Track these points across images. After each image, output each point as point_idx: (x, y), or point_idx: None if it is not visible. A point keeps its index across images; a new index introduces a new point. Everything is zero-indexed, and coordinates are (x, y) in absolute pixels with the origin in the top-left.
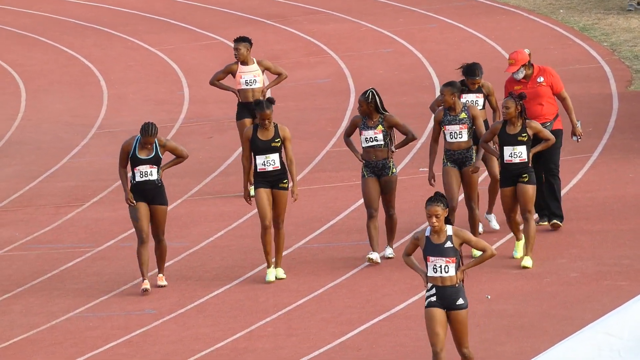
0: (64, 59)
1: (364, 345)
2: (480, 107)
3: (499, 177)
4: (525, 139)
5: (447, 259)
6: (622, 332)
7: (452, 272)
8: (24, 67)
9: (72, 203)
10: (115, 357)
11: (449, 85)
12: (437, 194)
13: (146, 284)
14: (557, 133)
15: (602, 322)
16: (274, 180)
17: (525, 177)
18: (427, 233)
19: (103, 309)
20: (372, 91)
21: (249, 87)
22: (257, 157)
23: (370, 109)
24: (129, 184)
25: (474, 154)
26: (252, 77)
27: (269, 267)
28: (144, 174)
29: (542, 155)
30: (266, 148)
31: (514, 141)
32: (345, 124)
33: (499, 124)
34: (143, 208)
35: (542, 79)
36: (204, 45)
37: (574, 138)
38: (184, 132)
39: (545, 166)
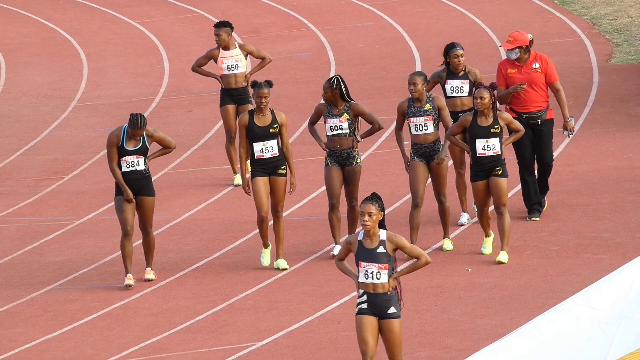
0: (44, 32)
1: (344, 318)
2: (466, 94)
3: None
4: (498, 130)
5: (379, 265)
6: (602, 305)
7: (384, 279)
8: (3, 40)
9: (52, 176)
10: (95, 330)
11: (421, 74)
12: (373, 194)
13: (129, 279)
14: (550, 122)
15: (582, 294)
16: (273, 167)
17: (499, 170)
18: (360, 237)
19: (83, 281)
20: (337, 77)
21: (230, 72)
22: (254, 144)
23: (335, 96)
24: (122, 177)
25: (442, 145)
26: (233, 62)
27: (265, 246)
28: (130, 164)
29: (535, 149)
30: (264, 134)
31: (487, 133)
32: None
33: (469, 116)
34: (128, 203)
35: (537, 65)
36: (184, 19)
37: (565, 132)
38: (164, 106)
39: (540, 160)
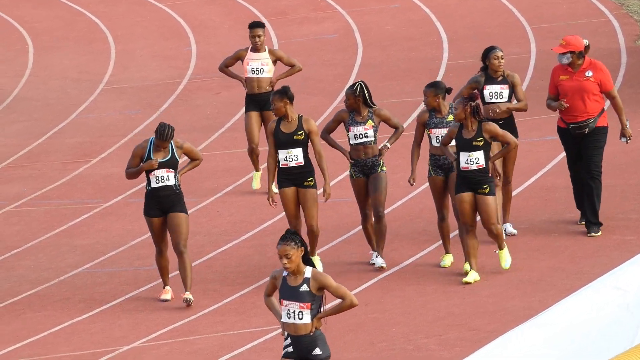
0: (71, 15)
1: (372, 300)
2: (506, 100)
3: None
4: (482, 143)
5: (302, 304)
6: (630, 286)
7: (306, 319)
8: (31, 24)
9: (80, 159)
10: (123, 313)
11: (432, 86)
12: (288, 231)
13: (166, 293)
14: (602, 130)
15: (610, 276)
16: (297, 178)
17: (486, 188)
18: (285, 273)
19: (111, 264)
20: (360, 84)
21: (254, 75)
22: (279, 151)
23: (359, 103)
24: (145, 192)
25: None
26: (259, 65)
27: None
28: (160, 179)
29: (581, 155)
30: (288, 141)
31: (470, 146)
32: (353, 78)
33: (457, 127)
34: (157, 223)
35: (590, 74)
36: (211, 1)
37: (623, 139)
38: (191, 88)
39: (584, 167)
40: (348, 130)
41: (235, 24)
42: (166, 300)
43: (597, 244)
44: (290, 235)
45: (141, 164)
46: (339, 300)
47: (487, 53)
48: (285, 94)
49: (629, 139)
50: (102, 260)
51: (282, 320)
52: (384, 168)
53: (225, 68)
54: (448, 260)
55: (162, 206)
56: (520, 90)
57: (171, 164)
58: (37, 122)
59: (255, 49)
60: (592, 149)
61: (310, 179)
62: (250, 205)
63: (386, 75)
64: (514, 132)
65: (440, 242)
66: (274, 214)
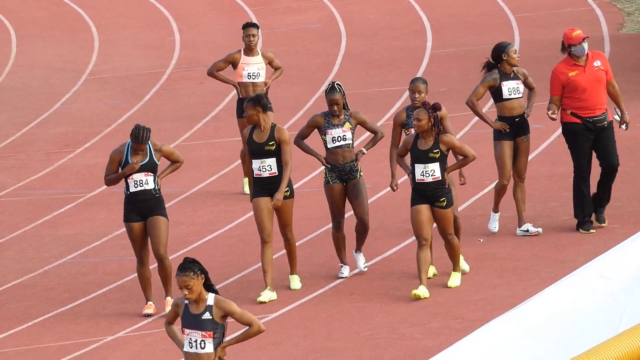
0: (55, 5)
1: (357, 290)
2: (521, 95)
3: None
4: (438, 155)
5: (204, 333)
6: (614, 274)
7: (209, 348)
8: (15, 14)
9: (63, 149)
10: (108, 303)
11: (422, 81)
12: (186, 260)
13: (149, 308)
14: (611, 123)
15: (594, 264)
16: (272, 188)
17: (443, 201)
18: (187, 300)
19: (96, 254)
20: (338, 83)
21: (250, 80)
22: (253, 161)
23: (341, 102)
24: (124, 196)
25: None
26: (256, 69)
27: (266, 286)
28: (139, 183)
29: (599, 154)
30: (260, 151)
31: (425, 158)
32: (337, 68)
33: (412, 137)
34: (137, 228)
35: (599, 63)
36: None
37: (623, 127)
38: (175, 78)
39: (607, 164)
40: (325, 134)
41: (219, 14)
42: (149, 315)
43: (581, 233)
44: (189, 265)
45: (120, 169)
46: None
47: (503, 49)
48: (259, 102)
49: (627, 125)
50: (87, 250)
51: (185, 349)
52: (361, 174)
53: (215, 72)
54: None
55: (141, 211)
56: (530, 80)
57: (149, 168)
58: (21, 111)
59: (249, 51)
60: (611, 142)
61: (286, 189)
62: (234, 195)
63: (369, 65)
64: (527, 127)
65: None
66: None
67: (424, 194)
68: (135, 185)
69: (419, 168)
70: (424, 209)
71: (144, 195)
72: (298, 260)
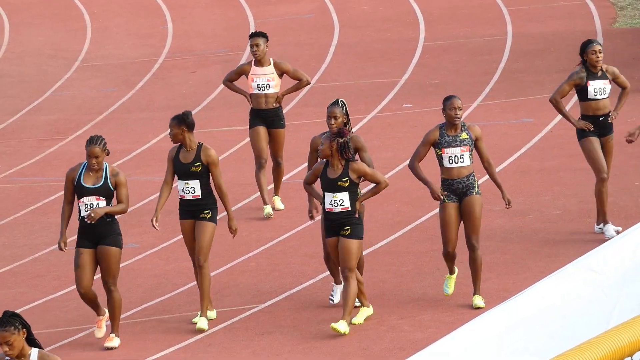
0: None
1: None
2: (607, 95)
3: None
4: (347, 184)
5: None
6: (605, 269)
7: None
8: (7, 0)
9: (55, 136)
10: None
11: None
12: (5, 314)
13: (99, 330)
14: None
15: (585, 258)
16: (195, 211)
17: (348, 229)
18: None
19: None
20: (343, 101)
21: (261, 92)
22: (178, 181)
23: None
24: (67, 224)
25: (476, 181)
26: (265, 81)
27: (202, 311)
28: (89, 207)
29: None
30: (185, 172)
31: (334, 187)
32: (329, 59)
33: (322, 165)
34: (87, 254)
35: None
36: None
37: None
38: (167, 67)
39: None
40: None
41: (212, 3)
42: (99, 338)
43: (572, 227)
44: (9, 319)
45: (74, 189)
46: None
47: (585, 47)
48: (184, 120)
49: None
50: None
51: None
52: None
53: (229, 83)
54: (452, 281)
55: (92, 237)
56: (622, 78)
57: (103, 192)
58: (12, 99)
59: (258, 61)
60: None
61: (207, 211)
62: (225, 183)
63: (362, 56)
64: (611, 126)
65: (415, 223)
66: (251, 193)
67: (333, 223)
68: (86, 209)
69: (328, 197)
70: (334, 242)
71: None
72: (285, 249)
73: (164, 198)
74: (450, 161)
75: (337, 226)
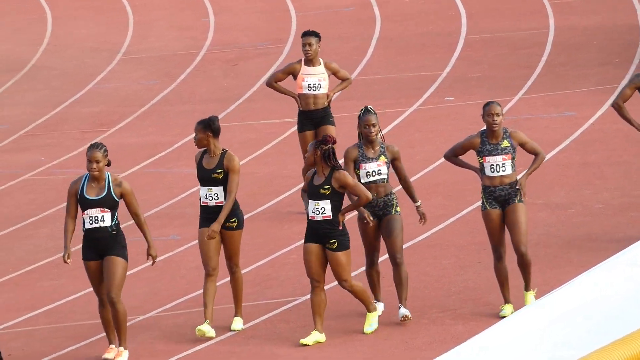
0: None
1: (388, 273)
2: None
3: None
4: (328, 192)
5: None
6: None
7: None
8: None
9: (97, 128)
10: (140, 282)
11: (496, 103)
12: None
13: (109, 352)
14: None
15: (627, 252)
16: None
17: (334, 243)
18: None
19: (128, 234)
20: (371, 108)
21: (311, 92)
22: (200, 187)
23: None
24: (70, 239)
25: (519, 190)
26: (316, 81)
27: (205, 319)
28: (94, 219)
29: None
30: (208, 179)
31: (316, 194)
32: (371, 52)
33: (313, 172)
34: (95, 268)
35: None
36: None
37: None
38: (209, 59)
39: None
40: (358, 168)
41: None
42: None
43: (613, 221)
44: None
45: (77, 202)
46: None
47: None
48: (210, 126)
49: None
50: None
51: None
52: (398, 209)
53: (274, 83)
54: (509, 309)
55: (98, 249)
56: None
57: (106, 203)
58: (55, 91)
59: (309, 61)
60: None
61: (233, 219)
62: (266, 178)
63: (403, 49)
64: None
65: (457, 216)
66: (292, 186)
67: (315, 232)
68: (91, 222)
69: (311, 204)
70: (313, 248)
71: (99, 233)
72: None
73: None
74: (492, 170)
75: (320, 235)
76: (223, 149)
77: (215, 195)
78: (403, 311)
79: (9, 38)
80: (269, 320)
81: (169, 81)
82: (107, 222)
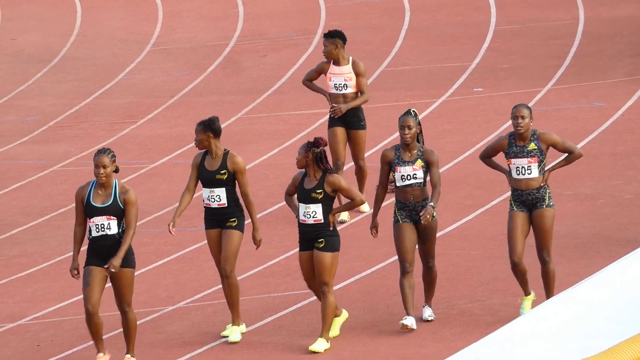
0: None
1: (417, 264)
2: None
3: None
4: (321, 196)
5: None
6: None
7: None
8: None
9: (126, 120)
10: (168, 273)
11: (526, 106)
12: None
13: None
14: None
15: None
16: (221, 220)
17: (322, 242)
18: None
19: (156, 224)
20: (415, 111)
21: (338, 91)
22: (203, 189)
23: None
24: (79, 247)
25: (548, 193)
26: (342, 80)
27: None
28: (100, 227)
29: None
30: (210, 180)
31: (308, 198)
32: (400, 42)
33: (301, 175)
34: (97, 272)
35: None
36: None
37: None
38: (238, 50)
39: None
40: (394, 171)
41: None
42: None
43: None
44: None
45: (83, 208)
46: None
47: None
48: (210, 126)
49: None
50: (148, 221)
51: None
52: (434, 214)
53: (308, 82)
54: (528, 303)
55: (104, 257)
56: None
57: (112, 211)
58: (85, 82)
59: (336, 60)
60: None
61: (233, 219)
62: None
63: (433, 40)
64: None
65: (486, 207)
66: None
67: (306, 236)
68: (97, 230)
69: (302, 208)
70: (307, 257)
71: (106, 241)
72: (355, 232)
73: (184, 204)
74: (518, 172)
75: (310, 239)
76: (225, 149)
77: (218, 197)
78: (428, 313)
79: (39, 29)
80: (297, 311)
81: (198, 72)
82: (114, 229)
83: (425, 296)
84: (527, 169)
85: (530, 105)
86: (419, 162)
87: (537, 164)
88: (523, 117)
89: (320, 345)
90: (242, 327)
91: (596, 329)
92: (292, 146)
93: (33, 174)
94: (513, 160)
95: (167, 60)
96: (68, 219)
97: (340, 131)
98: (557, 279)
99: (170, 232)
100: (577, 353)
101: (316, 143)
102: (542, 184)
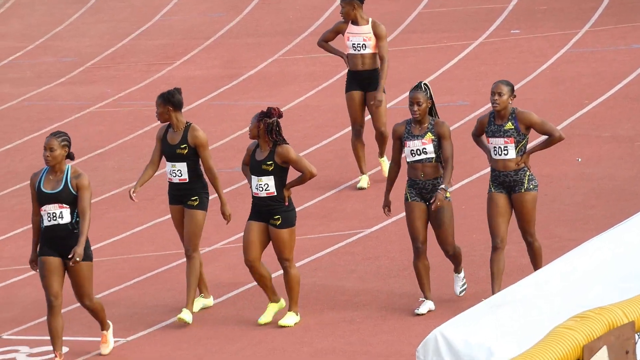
0: None
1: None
2: None
3: None
4: (271, 167)
5: None
6: None
7: None
8: None
9: (163, 61)
10: (210, 213)
11: (507, 83)
12: None
13: (105, 346)
14: None
15: None
16: (182, 196)
17: (278, 219)
18: None
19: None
20: (426, 84)
21: (357, 52)
22: (166, 163)
23: (426, 109)
24: (38, 238)
25: (527, 175)
26: (361, 40)
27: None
28: (52, 216)
29: None
30: (171, 154)
31: (259, 169)
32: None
33: (254, 145)
34: (53, 262)
35: None
36: None
37: None
38: None
39: None
40: (404, 146)
41: None
42: (106, 354)
43: None
44: None
45: (36, 195)
46: None
47: None
48: (169, 99)
49: None
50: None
51: None
52: (448, 195)
53: (324, 43)
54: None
55: (58, 248)
56: None
57: (64, 198)
58: (121, 23)
59: (355, 20)
60: None
61: (194, 197)
62: (333, 109)
63: (450, 26)
64: None
65: None
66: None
67: (259, 209)
68: (49, 219)
69: (254, 180)
70: (255, 227)
71: (58, 232)
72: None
73: (146, 175)
74: (495, 152)
75: (263, 212)
76: (187, 123)
77: (179, 171)
78: (459, 286)
79: None
80: (334, 253)
81: (234, 14)
82: (67, 218)
83: (454, 268)
84: (504, 150)
85: (567, 47)
86: (429, 136)
87: (513, 145)
88: (500, 94)
89: (290, 319)
90: (209, 301)
91: (635, 270)
92: (328, 87)
93: (70, 115)
94: (491, 140)
95: (203, 2)
96: (105, 160)
97: (357, 95)
98: (593, 221)
99: (131, 197)
100: (617, 294)
101: (268, 113)
102: (518, 165)
